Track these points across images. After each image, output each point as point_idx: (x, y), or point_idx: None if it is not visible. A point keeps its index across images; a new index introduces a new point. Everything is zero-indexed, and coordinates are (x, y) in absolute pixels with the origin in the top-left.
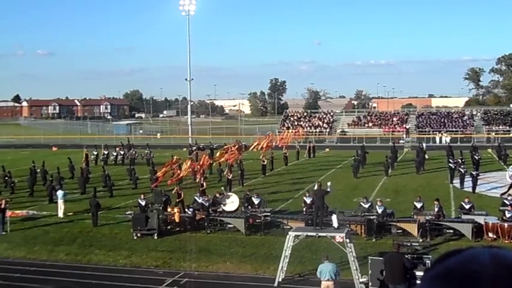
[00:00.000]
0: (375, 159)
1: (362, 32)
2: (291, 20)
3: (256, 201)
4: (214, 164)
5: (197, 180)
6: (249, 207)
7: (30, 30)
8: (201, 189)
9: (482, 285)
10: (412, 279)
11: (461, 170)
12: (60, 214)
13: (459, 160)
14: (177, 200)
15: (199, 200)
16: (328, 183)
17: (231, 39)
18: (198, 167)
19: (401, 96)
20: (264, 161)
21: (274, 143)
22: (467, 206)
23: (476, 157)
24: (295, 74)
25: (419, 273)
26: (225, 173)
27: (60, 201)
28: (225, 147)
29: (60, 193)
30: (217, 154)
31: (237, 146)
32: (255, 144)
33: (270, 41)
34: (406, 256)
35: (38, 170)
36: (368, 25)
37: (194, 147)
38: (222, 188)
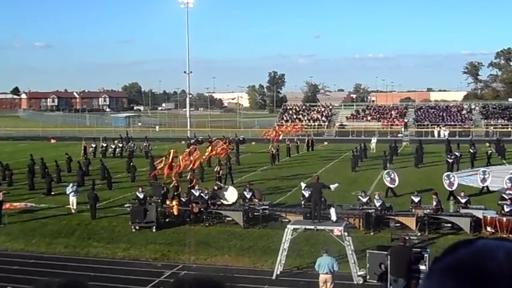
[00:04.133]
0: (373, 153)
1: (361, 25)
2: (290, 13)
3: (248, 195)
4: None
5: (188, 177)
6: (247, 200)
7: (27, 22)
8: (189, 185)
9: (500, 285)
10: (411, 273)
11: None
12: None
13: (456, 153)
14: (175, 193)
15: (197, 193)
16: (333, 187)
17: (230, 32)
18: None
19: (400, 89)
20: (272, 151)
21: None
22: (463, 200)
23: (472, 151)
24: (293, 67)
25: (422, 268)
26: (215, 170)
27: (72, 198)
28: (212, 140)
29: (69, 188)
30: (208, 149)
31: (225, 141)
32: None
33: (268, 34)
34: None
35: (35, 163)
36: (367, 19)
37: (193, 140)
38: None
